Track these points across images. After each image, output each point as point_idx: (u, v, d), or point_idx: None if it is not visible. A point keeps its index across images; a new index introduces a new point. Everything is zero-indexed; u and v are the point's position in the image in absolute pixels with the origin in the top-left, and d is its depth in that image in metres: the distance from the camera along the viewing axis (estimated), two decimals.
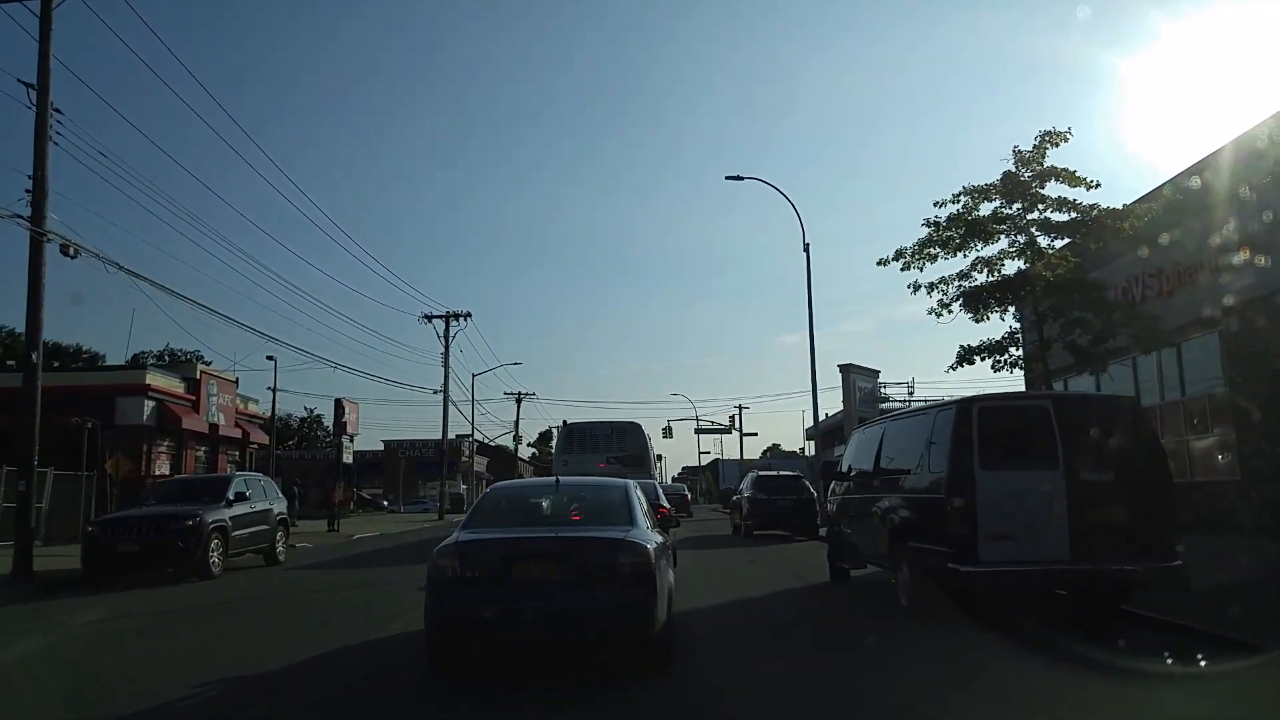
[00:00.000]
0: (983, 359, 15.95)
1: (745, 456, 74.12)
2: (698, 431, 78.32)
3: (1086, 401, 11.43)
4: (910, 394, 74.35)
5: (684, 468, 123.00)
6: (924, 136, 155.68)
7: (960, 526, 8.39)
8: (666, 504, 15.70)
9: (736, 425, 72.95)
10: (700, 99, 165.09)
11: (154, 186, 41.81)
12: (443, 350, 48.22)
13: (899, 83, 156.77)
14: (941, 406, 9.61)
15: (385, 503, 65.52)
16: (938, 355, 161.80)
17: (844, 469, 13.12)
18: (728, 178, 28.54)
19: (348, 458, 53.74)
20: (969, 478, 8.46)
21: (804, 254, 28.66)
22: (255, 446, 45.13)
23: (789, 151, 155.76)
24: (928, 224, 15.96)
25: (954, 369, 16.17)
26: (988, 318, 15.82)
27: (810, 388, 29.59)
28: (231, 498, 16.95)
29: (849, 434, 51.69)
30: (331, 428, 53.65)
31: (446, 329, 48.14)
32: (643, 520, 7.52)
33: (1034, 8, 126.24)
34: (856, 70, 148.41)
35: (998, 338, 16.12)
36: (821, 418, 32.52)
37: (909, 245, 16.10)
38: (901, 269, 16.13)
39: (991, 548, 8.26)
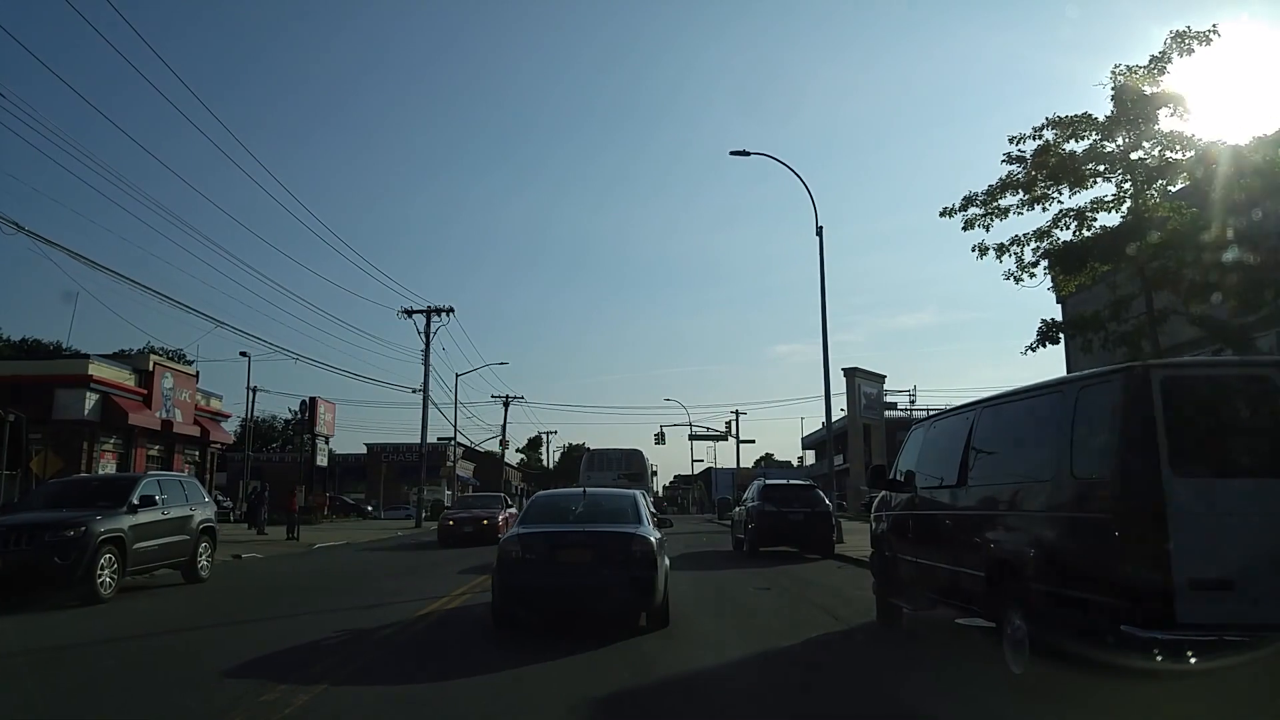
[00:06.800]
0: (1071, 336, 12.66)
1: (740, 466, 70.82)
2: (692, 438, 75.26)
3: None
4: (912, 402, 71.93)
5: (676, 476, 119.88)
6: (927, 150, 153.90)
7: (1141, 565, 5.25)
8: (655, 511, 15.87)
9: (732, 432, 69.69)
10: (701, 108, 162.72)
11: (135, 185, 38.88)
12: (423, 348, 44.90)
13: (903, 97, 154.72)
14: (1087, 379, 6.38)
15: (369, 508, 62.11)
16: (935, 366, 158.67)
17: (897, 475, 10.08)
18: (732, 153, 26.22)
19: (322, 460, 50.40)
20: (1153, 486, 5.29)
21: (817, 238, 25.85)
22: (218, 446, 41.94)
23: (790, 162, 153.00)
24: (1009, 159, 12.61)
25: (1034, 349, 12.93)
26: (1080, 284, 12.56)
27: (824, 390, 26.60)
28: (136, 502, 13.84)
29: (851, 440, 48.50)
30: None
31: (427, 325, 44.74)
32: (648, 520, 10.26)
33: (1040, 25, 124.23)
34: (860, 83, 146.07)
35: (1091, 310, 12.66)
36: (820, 426, 29.79)
37: (978, 192, 12.83)
38: (963, 228, 12.92)
39: (1197, 602, 5.13)
